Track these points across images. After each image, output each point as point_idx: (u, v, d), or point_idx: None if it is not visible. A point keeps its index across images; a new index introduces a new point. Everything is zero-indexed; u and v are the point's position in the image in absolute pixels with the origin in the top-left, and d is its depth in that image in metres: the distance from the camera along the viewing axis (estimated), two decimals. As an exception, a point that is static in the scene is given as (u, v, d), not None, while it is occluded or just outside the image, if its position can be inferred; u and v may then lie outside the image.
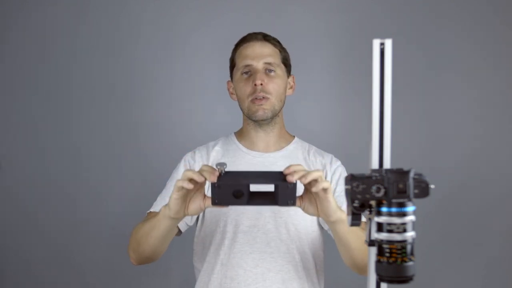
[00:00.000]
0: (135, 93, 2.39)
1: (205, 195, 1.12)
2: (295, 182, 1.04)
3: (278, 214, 1.40)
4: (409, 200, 0.74)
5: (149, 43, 2.39)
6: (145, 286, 2.39)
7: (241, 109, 1.46)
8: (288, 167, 1.07)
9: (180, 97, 2.39)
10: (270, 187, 1.06)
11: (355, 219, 0.81)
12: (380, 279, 0.76)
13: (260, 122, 1.43)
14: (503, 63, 2.36)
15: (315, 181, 1.07)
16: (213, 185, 1.03)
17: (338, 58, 2.38)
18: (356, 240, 1.23)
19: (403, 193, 0.73)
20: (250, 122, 1.45)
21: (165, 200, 1.39)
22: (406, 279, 0.74)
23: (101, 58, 2.38)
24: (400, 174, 0.74)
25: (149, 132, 2.39)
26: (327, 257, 1.49)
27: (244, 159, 1.46)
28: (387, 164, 0.81)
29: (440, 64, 2.37)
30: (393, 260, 0.74)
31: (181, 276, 2.30)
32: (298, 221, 1.40)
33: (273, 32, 1.50)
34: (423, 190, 0.75)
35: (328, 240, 1.49)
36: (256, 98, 1.40)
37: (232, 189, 1.03)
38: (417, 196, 0.75)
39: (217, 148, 1.49)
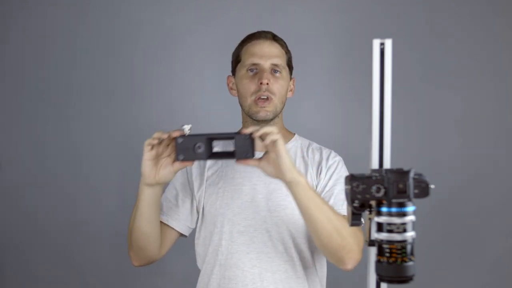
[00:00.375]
0: (135, 93, 2.39)
1: (174, 161, 1.20)
2: (249, 132, 1.14)
3: (274, 213, 1.39)
4: (409, 200, 0.74)
5: (149, 43, 2.39)
6: (145, 287, 2.39)
7: (242, 105, 1.45)
8: (244, 129, 1.19)
9: (179, 97, 2.39)
10: (231, 147, 1.18)
11: (355, 219, 0.82)
12: (380, 279, 0.76)
13: (259, 122, 1.43)
14: (503, 63, 2.36)
15: (265, 134, 1.14)
16: (176, 140, 1.15)
17: (338, 58, 2.38)
18: (319, 212, 1.21)
19: (403, 193, 0.74)
20: (249, 120, 1.45)
21: (162, 205, 1.43)
22: (406, 279, 0.75)
23: (101, 58, 2.38)
24: (400, 174, 0.74)
25: (149, 132, 2.37)
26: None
27: None
28: (387, 164, 0.81)
29: (440, 64, 2.37)
30: (393, 260, 0.74)
31: (181, 276, 2.30)
32: (295, 220, 1.39)
33: (273, 30, 1.50)
34: (423, 190, 0.75)
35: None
36: (259, 98, 1.39)
37: (193, 142, 1.14)
38: (417, 196, 0.75)
39: (216, 148, 1.49)
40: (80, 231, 2.38)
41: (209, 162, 1.47)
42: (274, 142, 1.14)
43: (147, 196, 1.26)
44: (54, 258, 2.38)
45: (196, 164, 1.47)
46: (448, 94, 2.36)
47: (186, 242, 1.58)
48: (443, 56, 2.36)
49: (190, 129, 1.17)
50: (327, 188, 1.41)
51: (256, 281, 1.36)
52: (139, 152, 2.40)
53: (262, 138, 1.15)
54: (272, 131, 1.15)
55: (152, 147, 1.20)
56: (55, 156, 2.38)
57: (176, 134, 1.16)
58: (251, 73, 1.42)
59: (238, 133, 1.17)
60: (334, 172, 1.44)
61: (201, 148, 1.14)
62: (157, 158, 1.21)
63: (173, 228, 1.43)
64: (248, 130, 1.15)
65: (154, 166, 1.21)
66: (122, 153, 2.38)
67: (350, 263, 1.29)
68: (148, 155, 1.20)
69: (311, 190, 1.21)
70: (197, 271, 1.50)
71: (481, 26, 2.35)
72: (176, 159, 1.17)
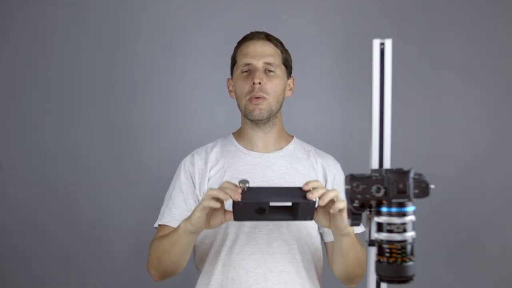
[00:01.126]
0: (135, 93, 2.39)
1: (225, 210, 1.18)
2: (314, 200, 1.10)
3: None
4: (409, 200, 0.74)
5: (149, 43, 2.39)
6: (144, 286, 2.39)
7: (238, 107, 1.45)
8: (306, 183, 1.13)
9: (179, 97, 2.39)
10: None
11: (355, 219, 0.82)
12: (380, 279, 0.76)
13: (257, 122, 1.42)
14: (503, 63, 2.36)
15: (331, 201, 1.14)
16: (235, 203, 1.08)
17: (338, 58, 2.38)
18: (354, 254, 1.31)
19: (403, 193, 0.74)
20: (248, 122, 1.44)
21: (173, 212, 1.41)
22: (406, 279, 0.74)
23: (101, 58, 2.38)
24: (400, 174, 0.74)
25: (148, 132, 2.39)
26: (326, 259, 1.49)
27: (244, 159, 1.45)
28: (387, 164, 0.81)
29: (440, 64, 2.37)
30: (393, 260, 0.74)
31: (181, 276, 2.29)
32: (300, 221, 1.40)
33: (273, 32, 1.50)
34: (423, 190, 0.75)
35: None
36: (253, 97, 1.39)
37: (255, 207, 1.08)
38: (417, 196, 0.75)
39: (215, 149, 1.48)
40: (80, 231, 2.38)
41: (211, 161, 1.47)
42: (341, 211, 1.15)
43: (190, 239, 1.26)
44: (54, 258, 2.38)
45: (199, 165, 1.47)
46: (448, 94, 2.36)
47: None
48: (443, 56, 2.36)
49: (248, 184, 1.11)
50: None
51: (260, 281, 1.36)
52: (139, 152, 2.41)
53: (327, 204, 1.15)
54: (337, 196, 1.14)
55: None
56: (55, 156, 2.38)
57: (237, 198, 1.08)
58: (245, 74, 1.42)
59: (299, 189, 1.12)
60: (341, 182, 1.45)
61: (262, 212, 1.09)
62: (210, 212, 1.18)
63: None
64: (313, 196, 1.10)
65: (206, 219, 1.19)
66: (122, 153, 2.38)
67: (357, 283, 1.42)
68: (203, 213, 1.16)
69: (355, 239, 1.30)
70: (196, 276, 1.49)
71: (481, 26, 2.35)
72: (235, 219, 1.12)
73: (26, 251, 2.39)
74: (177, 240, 1.26)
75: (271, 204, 1.10)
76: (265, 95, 1.39)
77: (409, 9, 2.37)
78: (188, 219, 1.21)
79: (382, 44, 0.80)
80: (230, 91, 1.51)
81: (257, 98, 1.39)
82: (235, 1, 2.38)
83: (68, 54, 2.39)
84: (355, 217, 0.81)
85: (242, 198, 1.07)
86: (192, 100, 2.39)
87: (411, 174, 0.74)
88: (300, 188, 1.13)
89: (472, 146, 2.35)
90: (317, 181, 1.15)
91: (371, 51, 0.80)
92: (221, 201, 1.15)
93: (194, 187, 1.45)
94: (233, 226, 1.39)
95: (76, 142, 2.39)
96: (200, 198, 1.44)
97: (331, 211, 1.14)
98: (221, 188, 1.13)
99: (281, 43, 1.48)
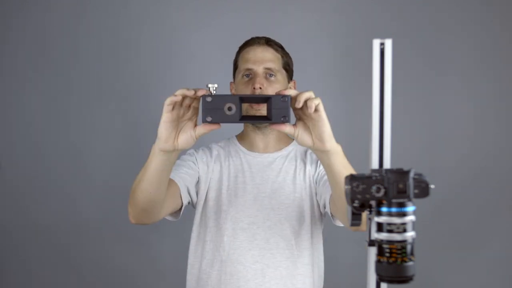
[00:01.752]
0: (135, 93, 2.39)
1: (195, 125, 1.08)
2: (288, 94, 1.01)
3: (277, 211, 1.42)
4: (409, 200, 0.74)
5: (149, 43, 2.39)
6: (144, 286, 2.39)
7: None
8: (284, 89, 1.05)
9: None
10: (263, 111, 1.04)
11: (355, 219, 0.82)
12: (380, 279, 0.76)
13: (257, 125, 1.45)
14: (502, 62, 2.36)
15: (307, 101, 1.03)
16: (204, 99, 1.00)
17: (338, 58, 2.38)
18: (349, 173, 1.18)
19: (403, 193, 0.74)
20: (249, 124, 1.48)
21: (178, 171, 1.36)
22: (406, 279, 0.74)
23: (101, 58, 2.38)
24: (400, 174, 0.74)
25: (149, 132, 2.37)
26: (327, 257, 1.49)
27: (244, 159, 1.49)
28: (387, 164, 0.81)
29: (440, 64, 2.37)
30: (393, 260, 0.74)
31: (181, 276, 2.29)
32: (298, 217, 1.42)
33: (272, 32, 1.51)
34: (423, 190, 0.75)
35: (329, 240, 1.49)
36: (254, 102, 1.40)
37: (224, 101, 1.00)
38: (417, 196, 0.75)
39: (219, 148, 1.52)
40: (80, 231, 2.38)
41: (214, 156, 1.48)
42: (318, 110, 1.04)
43: (160, 162, 1.12)
44: (54, 258, 2.38)
45: (201, 154, 1.47)
46: (448, 94, 2.36)
47: (184, 242, 1.58)
48: (443, 56, 2.36)
49: (215, 89, 1.02)
50: (325, 178, 1.39)
51: (258, 276, 1.39)
52: (139, 152, 2.40)
53: (304, 107, 1.05)
54: (310, 95, 1.04)
55: (173, 107, 1.05)
56: (55, 156, 2.38)
57: (202, 92, 1.01)
58: (246, 79, 1.44)
59: (274, 95, 1.04)
60: None
61: (232, 110, 1.00)
62: (177, 121, 1.07)
63: (178, 190, 1.35)
64: (287, 92, 1.02)
65: (174, 130, 1.07)
66: (122, 153, 2.38)
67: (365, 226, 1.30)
68: (167, 116, 1.05)
69: (345, 157, 1.16)
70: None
71: (481, 26, 2.35)
72: (203, 121, 1.01)
73: (26, 251, 2.39)
74: (147, 164, 1.15)
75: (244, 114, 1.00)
76: None
77: (409, 9, 2.37)
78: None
79: (382, 44, 0.80)
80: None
81: (257, 104, 1.40)
82: (235, 2, 2.38)
83: (68, 54, 2.39)
84: (355, 217, 0.81)
85: (210, 101, 1.00)
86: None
87: (411, 174, 0.74)
88: (277, 97, 1.03)
89: (472, 146, 2.35)
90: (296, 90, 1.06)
91: (371, 51, 0.80)
92: (190, 112, 1.08)
93: (197, 166, 1.44)
94: (230, 222, 1.41)
95: (76, 142, 2.39)
96: (201, 192, 1.44)
97: (308, 110, 1.03)
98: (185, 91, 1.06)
99: (281, 47, 1.49)
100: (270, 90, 1.41)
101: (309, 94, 1.04)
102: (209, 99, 1.00)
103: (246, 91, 1.42)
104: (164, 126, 1.06)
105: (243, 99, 1.02)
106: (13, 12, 2.39)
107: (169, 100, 1.05)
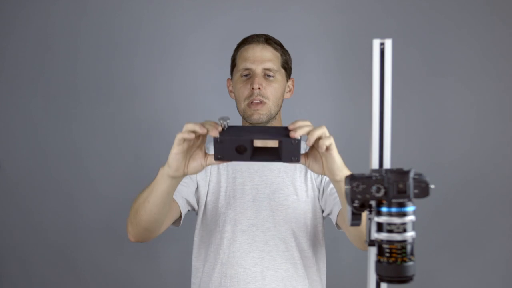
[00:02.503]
0: (135, 93, 2.39)
1: (206, 153, 1.10)
2: (299, 138, 1.02)
3: (276, 213, 1.41)
4: (409, 200, 0.74)
5: (148, 43, 2.39)
6: (144, 286, 2.39)
7: (237, 109, 1.47)
8: (293, 122, 1.05)
9: (180, 97, 2.39)
10: (274, 143, 1.04)
11: (355, 219, 0.82)
12: (380, 279, 0.76)
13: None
14: (502, 62, 2.36)
15: (319, 139, 1.05)
16: (215, 139, 1.01)
17: (338, 58, 2.38)
18: None
19: (403, 193, 0.74)
20: (247, 123, 1.46)
21: None
22: (406, 279, 0.74)
23: (101, 58, 2.38)
24: (400, 174, 0.74)
25: (148, 132, 2.39)
26: (328, 257, 1.49)
27: None
28: (387, 164, 0.81)
29: (440, 64, 2.37)
30: (393, 260, 0.74)
31: (181, 276, 2.29)
32: (297, 219, 1.41)
33: (272, 32, 1.50)
34: (423, 190, 0.75)
35: (329, 240, 1.49)
36: (252, 102, 1.40)
37: (235, 144, 1.01)
38: (417, 196, 0.75)
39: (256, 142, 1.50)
40: (80, 231, 2.38)
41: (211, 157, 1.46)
42: (329, 148, 1.06)
43: (168, 186, 1.14)
44: (53, 258, 2.38)
45: None
46: (448, 94, 2.36)
47: (184, 242, 1.58)
48: (443, 56, 2.36)
49: (228, 123, 1.03)
50: (331, 186, 1.40)
51: (258, 279, 1.38)
52: (139, 152, 2.41)
53: (315, 143, 1.06)
54: (323, 133, 1.05)
55: (184, 140, 1.07)
56: (55, 156, 2.38)
57: (215, 133, 1.01)
58: (244, 78, 1.43)
59: (285, 129, 1.04)
60: None
61: (243, 151, 1.01)
62: (188, 151, 1.09)
63: (178, 207, 1.36)
64: (297, 134, 1.02)
65: (184, 159, 1.09)
66: (122, 153, 2.38)
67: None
68: (179, 149, 1.06)
69: None
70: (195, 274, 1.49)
71: (481, 26, 2.35)
72: (215, 159, 1.04)
73: (26, 251, 2.39)
74: (153, 187, 1.17)
75: (257, 145, 1.04)
76: (264, 100, 1.40)
77: (410, 9, 2.37)
78: (166, 162, 1.12)
79: (382, 44, 0.80)
80: (230, 92, 1.52)
81: (256, 104, 1.40)
82: (234, 1, 2.38)
83: (68, 54, 2.39)
84: (355, 217, 0.81)
85: (222, 135, 1.01)
86: (192, 100, 2.39)
87: (411, 174, 0.74)
88: (286, 128, 1.05)
89: (473, 145, 2.35)
90: (306, 120, 1.06)
91: (371, 51, 0.80)
92: (200, 141, 1.08)
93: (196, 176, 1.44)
94: (230, 224, 1.40)
95: (76, 142, 2.39)
96: (200, 194, 1.44)
97: (319, 150, 1.05)
98: (201, 123, 1.06)
99: (281, 45, 1.48)
100: (269, 90, 1.40)
101: (321, 132, 1.05)
102: (221, 139, 1.01)
103: (244, 90, 1.41)
104: (175, 158, 1.08)
105: (253, 141, 1.03)
106: (14, 13, 2.39)
107: (181, 137, 1.05)
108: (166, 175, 1.12)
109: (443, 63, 2.36)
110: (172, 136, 2.40)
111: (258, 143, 1.05)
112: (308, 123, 1.05)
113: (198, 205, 1.45)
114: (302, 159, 1.09)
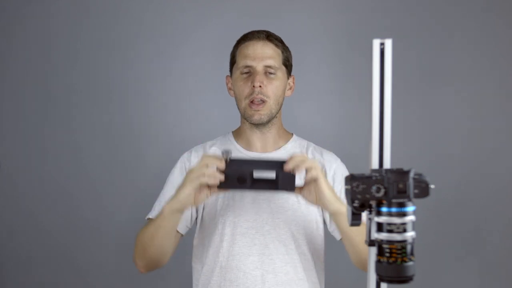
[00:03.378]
0: (134, 93, 2.39)
1: (208, 184, 1.20)
2: (292, 173, 1.17)
3: (276, 215, 1.39)
4: (409, 200, 0.74)
5: (147, 43, 2.39)
6: (145, 286, 2.39)
7: (237, 107, 1.45)
8: (291, 157, 1.17)
9: (178, 97, 2.39)
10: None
11: (355, 219, 0.82)
12: (380, 279, 0.76)
13: (256, 125, 1.42)
14: (502, 62, 2.36)
15: (307, 169, 1.17)
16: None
17: (338, 58, 2.38)
18: (359, 234, 1.26)
19: (403, 193, 0.74)
20: (247, 123, 1.44)
21: (162, 206, 1.40)
22: (406, 279, 0.74)
23: (101, 59, 2.38)
24: (400, 174, 0.74)
25: (148, 132, 2.39)
26: (327, 258, 1.49)
27: None
28: (387, 164, 0.81)
29: (440, 64, 2.36)
30: (393, 260, 0.74)
31: (181, 277, 2.29)
32: (297, 221, 1.39)
33: (272, 31, 1.50)
34: (423, 190, 0.75)
35: (329, 241, 1.49)
36: (253, 102, 1.38)
37: (237, 176, 1.16)
38: (417, 196, 0.75)
39: (214, 148, 1.48)
40: (80, 232, 2.38)
41: None
42: (315, 180, 1.18)
43: (176, 220, 1.28)
44: (54, 258, 2.38)
45: (194, 162, 1.46)
46: (448, 94, 2.36)
47: (185, 243, 1.58)
48: (443, 56, 2.36)
49: (231, 155, 1.19)
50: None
51: (258, 283, 1.36)
52: (140, 152, 2.41)
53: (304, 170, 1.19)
54: (312, 166, 1.18)
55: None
56: (56, 156, 2.38)
57: (223, 167, 1.17)
58: (244, 75, 1.40)
59: (282, 163, 1.19)
60: (342, 176, 1.44)
61: (244, 181, 1.17)
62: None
63: (178, 231, 1.41)
64: (289, 167, 1.17)
65: (193, 195, 1.21)
66: (122, 153, 2.38)
67: None
68: (192, 189, 1.19)
69: None
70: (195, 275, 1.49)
71: (481, 26, 2.35)
72: (218, 187, 1.18)
73: (26, 251, 2.39)
74: (161, 222, 1.27)
75: (256, 176, 1.18)
76: (265, 98, 1.38)
77: (409, 9, 2.37)
78: (174, 198, 1.23)
79: (382, 44, 0.80)
80: (229, 89, 1.49)
81: (257, 104, 1.38)
82: (233, 1, 2.38)
83: (68, 54, 2.39)
84: (355, 217, 0.81)
85: (225, 169, 1.16)
86: (191, 99, 2.39)
87: (411, 174, 0.74)
88: (284, 162, 1.19)
89: (472, 145, 2.35)
90: (302, 155, 1.18)
91: (371, 51, 0.80)
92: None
93: None
94: (229, 227, 1.39)
95: (76, 142, 2.39)
96: None
97: (306, 179, 1.18)
98: (203, 161, 1.18)
99: (281, 41, 1.45)
100: (270, 88, 1.38)
101: (309, 165, 1.18)
102: (226, 171, 1.17)
103: (245, 88, 1.39)
104: (188, 197, 1.19)
105: (253, 174, 1.19)
106: (15, 14, 2.39)
107: (197, 184, 1.18)
108: (175, 211, 1.23)
109: (443, 63, 2.36)
110: (173, 135, 2.40)
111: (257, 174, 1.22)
112: (303, 158, 1.19)
113: (196, 210, 1.45)
114: (298, 190, 1.23)
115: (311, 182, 1.20)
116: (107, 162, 2.38)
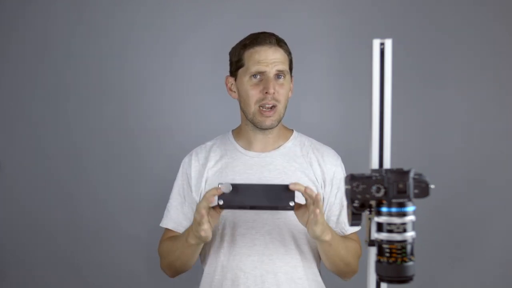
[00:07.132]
0: (134, 94, 2.38)
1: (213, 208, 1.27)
2: (294, 191, 1.21)
3: (276, 215, 1.39)
4: (409, 200, 0.74)
5: (146, 44, 2.38)
6: (145, 286, 2.39)
7: (244, 112, 1.44)
8: (294, 184, 1.21)
9: (178, 97, 2.39)
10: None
11: (355, 219, 0.82)
12: (380, 279, 0.76)
13: (264, 130, 1.43)
14: (503, 63, 2.36)
15: (315, 201, 1.21)
16: (219, 197, 1.23)
17: (338, 58, 2.37)
18: (335, 256, 1.38)
19: (403, 193, 0.74)
20: (249, 124, 1.43)
21: (171, 214, 1.49)
22: (406, 279, 0.75)
23: (101, 59, 2.38)
24: (400, 174, 0.74)
25: (147, 132, 2.39)
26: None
27: (241, 160, 1.45)
28: (387, 164, 0.81)
29: (440, 64, 2.36)
30: (393, 260, 0.74)
31: (181, 276, 2.29)
32: (297, 222, 1.39)
33: (272, 31, 1.49)
34: (423, 190, 0.75)
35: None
36: (264, 108, 1.38)
37: (237, 202, 1.23)
38: (417, 196, 0.75)
39: (215, 148, 1.48)
40: (80, 232, 2.38)
41: (209, 162, 1.47)
42: (316, 213, 1.22)
43: (200, 247, 1.37)
44: (54, 259, 2.38)
45: (196, 167, 1.47)
46: (448, 94, 2.36)
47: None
48: (443, 56, 2.36)
49: (230, 188, 1.23)
50: (334, 208, 1.45)
51: (258, 282, 1.37)
52: (138, 152, 2.41)
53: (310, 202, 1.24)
54: (319, 199, 1.21)
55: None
56: (55, 156, 2.38)
57: (221, 192, 1.23)
58: (255, 80, 1.39)
59: (283, 186, 1.23)
60: (339, 188, 1.45)
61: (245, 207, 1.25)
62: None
63: None
64: (294, 187, 1.21)
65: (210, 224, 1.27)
66: (122, 153, 2.38)
67: (349, 278, 1.48)
68: (208, 224, 1.25)
69: (335, 241, 1.33)
70: (200, 272, 1.50)
71: (481, 26, 2.35)
72: (220, 208, 1.24)
73: (26, 251, 2.39)
74: (185, 249, 1.37)
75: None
76: (276, 103, 1.39)
77: (409, 9, 2.37)
78: (195, 234, 1.27)
79: (382, 44, 0.80)
80: (229, 90, 1.48)
81: (268, 109, 1.38)
82: (233, 1, 2.38)
83: (68, 54, 2.39)
84: (355, 217, 0.81)
85: (225, 199, 1.22)
86: (191, 100, 2.39)
87: (411, 174, 0.74)
88: (286, 187, 1.22)
89: (472, 145, 2.35)
90: (308, 187, 1.22)
91: (371, 51, 0.80)
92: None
93: (191, 190, 1.47)
94: (230, 228, 1.40)
95: (76, 143, 2.39)
96: (197, 199, 1.45)
97: (310, 210, 1.23)
98: (205, 198, 1.23)
99: (287, 45, 1.45)
100: (281, 93, 1.39)
101: (313, 195, 1.22)
102: (226, 193, 1.23)
103: (256, 93, 1.38)
104: (208, 230, 1.25)
105: (254, 207, 1.25)
106: (14, 14, 2.39)
107: (203, 237, 1.26)
108: (198, 239, 1.28)
109: (443, 63, 2.36)
110: (173, 136, 2.39)
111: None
112: (304, 186, 1.22)
113: None
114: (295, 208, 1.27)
115: (310, 214, 1.23)
116: (107, 162, 2.38)
